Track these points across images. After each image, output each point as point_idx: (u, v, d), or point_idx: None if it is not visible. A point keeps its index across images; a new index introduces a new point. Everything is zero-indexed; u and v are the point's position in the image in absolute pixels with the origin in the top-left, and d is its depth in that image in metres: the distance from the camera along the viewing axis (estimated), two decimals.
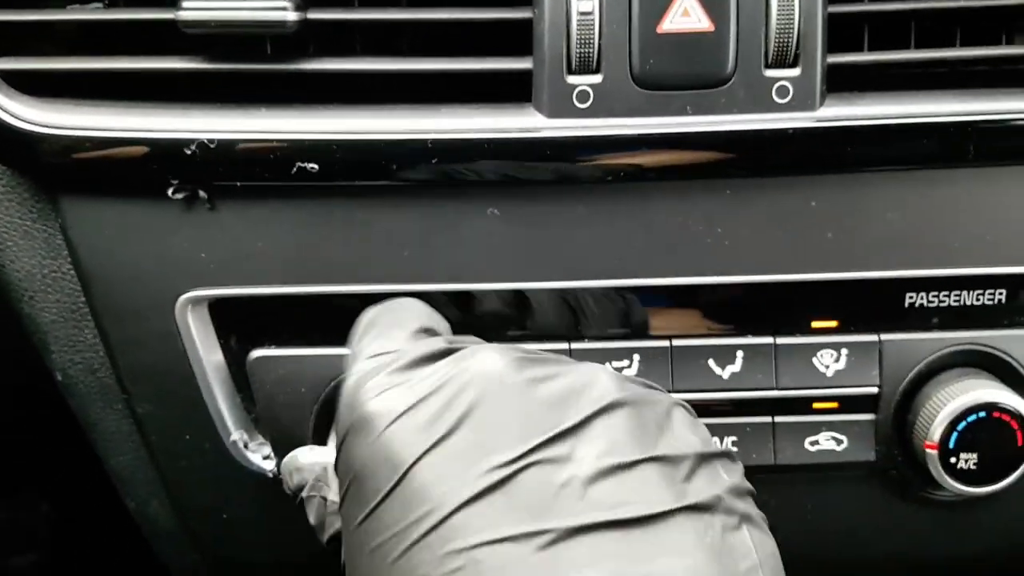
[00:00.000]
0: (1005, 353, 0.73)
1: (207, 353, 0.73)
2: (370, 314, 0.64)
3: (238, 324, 0.73)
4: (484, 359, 0.54)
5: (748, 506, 0.53)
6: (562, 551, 0.46)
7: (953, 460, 0.70)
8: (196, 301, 0.71)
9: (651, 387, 0.57)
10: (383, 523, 0.50)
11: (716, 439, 0.74)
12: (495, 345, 0.56)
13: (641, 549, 0.47)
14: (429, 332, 0.62)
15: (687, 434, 0.54)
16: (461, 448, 0.50)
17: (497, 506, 0.48)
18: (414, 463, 0.50)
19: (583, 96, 0.64)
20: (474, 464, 0.49)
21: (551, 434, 0.50)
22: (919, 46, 0.69)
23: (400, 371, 0.55)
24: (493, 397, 0.52)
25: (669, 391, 0.72)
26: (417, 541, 0.48)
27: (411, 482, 0.50)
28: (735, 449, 0.73)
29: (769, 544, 0.52)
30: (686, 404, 0.58)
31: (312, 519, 0.64)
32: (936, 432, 0.70)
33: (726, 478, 0.53)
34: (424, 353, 0.56)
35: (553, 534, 0.47)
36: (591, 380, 0.53)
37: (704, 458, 0.53)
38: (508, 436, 0.50)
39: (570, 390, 0.53)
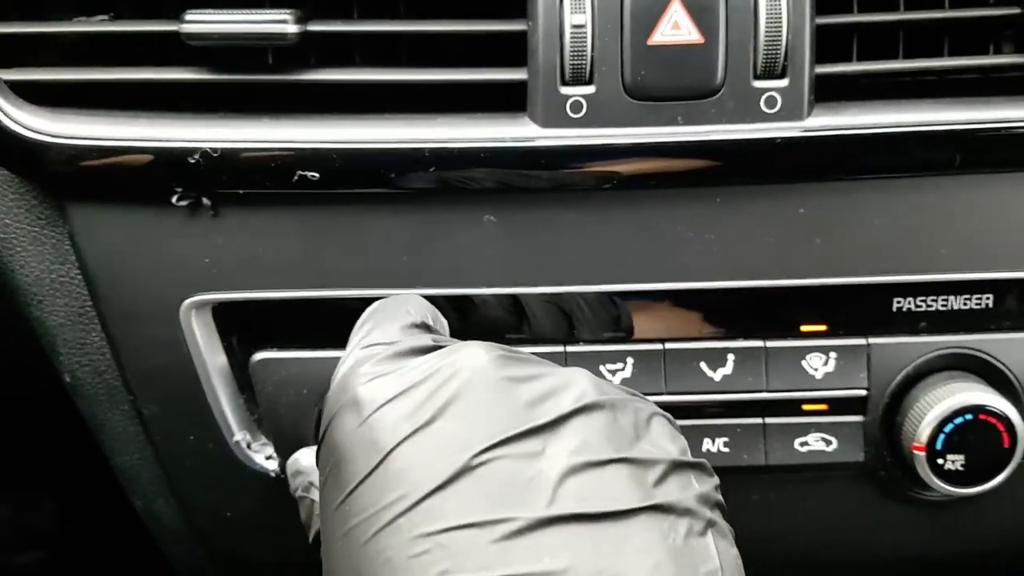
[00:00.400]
0: (992, 356, 0.74)
1: (211, 356, 0.74)
2: (372, 308, 0.66)
3: (241, 327, 0.75)
4: (471, 354, 0.55)
5: (716, 516, 0.54)
6: (526, 540, 0.48)
7: (940, 461, 0.72)
8: (200, 305, 0.73)
9: (635, 395, 0.59)
10: (359, 506, 0.52)
11: (708, 439, 0.75)
12: (482, 343, 0.58)
13: (603, 543, 0.48)
14: (425, 327, 0.63)
15: (664, 442, 0.55)
16: (440, 436, 0.52)
17: (467, 494, 0.49)
18: (394, 448, 0.52)
19: (576, 106, 0.66)
20: (450, 453, 0.51)
21: (526, 427, 0.51)
22: (908, 55, 0.70)
23: (390, 360, 0.57)
24: (476, 390, 0.53)
25: (662, 393, 0.74)
26: (388, 524, 0.50)
27: (389, 466, 0.52)
28: (726, 449, 0.75)
29: (733, 554, 0.53)
30: (668, 415, 0.59)
31: (303, 516, 0.65)
32: (924, 434, 0.71)
33: (697, 487, 0.54)
34: (414, 346, 0.58)
35: (519, 523, 0.48)
36: (572, 382, 0.55)
37: (677, 466, 0.54)
38: (486, 428, 0.51)
39: (551, 389, 0.54)
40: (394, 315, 0.63)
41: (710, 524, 0.53)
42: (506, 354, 0.57)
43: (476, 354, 0.55)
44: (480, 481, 0.50)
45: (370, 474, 0.52)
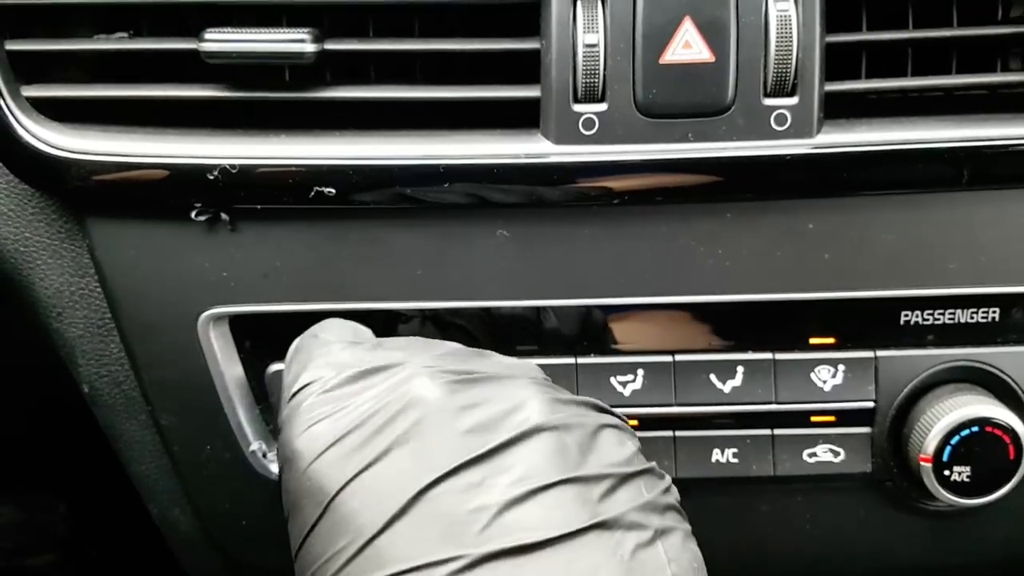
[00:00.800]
0: (998, 369, 0.75)
1: (227, 367, 0.75)
2: (295, 344, 0.66)
3: (257, 339, 0.76)
4: (419, 384, 0.55)
5: (667, 520, 0.54)
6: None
7: (947, 473, 0.73)
8: (217, 318, 0.74)
9: (591, 404, 0.59)
10: (311, 556, 0.53)
11: (717, 450, 0.76)
12: (426, 365, 0.57)
13: (549, 571, 0.49)
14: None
15: (611, 454, 0.56)
16: (383, 476, 0.52)
17: (410, 534, 0.50)
18: (337, 493, 0.53)
19: (589, 123, 0.67)
20: (393, 492, 0.51)
21: (468, 458, 0.52)
22: (916, 72, 0.71)
23: (330, 396, 0.57)
24: (422, 425, 0.53)
25: (672, 404, 0.75)
26: (339, 571, 0.51)
27: (334, 513, 0.52)
28: (736, 460, 0.76)
29: (687, 557, 0.53)
30: (619, 422, 0.59)
31: None
32: (930, 445, 0.72)
33: (645, 495, 0.54)
34: (353, 372, 0.58)
35: (464, 560, 0.48)
36: (519, 404, 0.55)
37: (625, 478, 0.54)
38: (429, 463, 0.52)
39: (497, 416, 0.54)
40: (321, 343, 0.63)
41: (660, 532, 0.53)
42: (454, 378, 0.56)
43: (424, 384, 0.55)
44: (423, 519, 0.50)
45: (317, 522, 0.53)
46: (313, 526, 0.54)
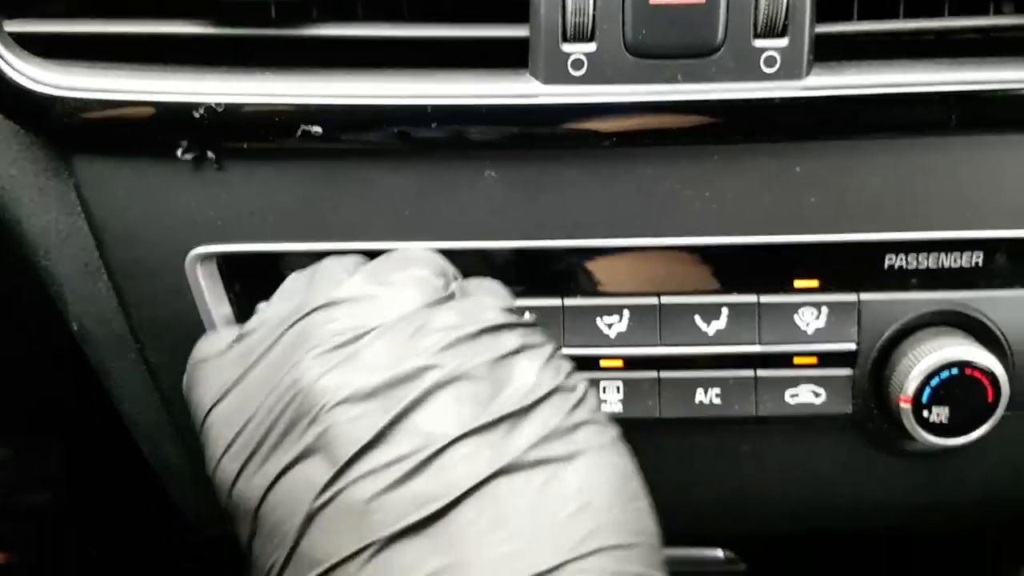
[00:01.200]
0: (980, 313, 0.75)
1: (216, 306, 0.76)
2: (186, 377, 0.67)
3: (246, 278, 0.76)
4: (307, 376, 0.55)
5: (577, 441, 0.53)
6: (386, 559, 0.49)
7: (925, 414, 0.74)
8: (205, 256, 0.74)
9: (493, 327, 0.56)
10: (257, 568, 0.56)
11: (701, 390, 0.77)
12: (312, 345, 0.56)
13: (457, 536, 0.49)
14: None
15: (515, 384, 0.54)
16: (294, 482, 0.53)
17: (325, 534, 0.51)
18: (257, 509, 0.55)
19: (578, 64, 0.66)
20: (304, 497, 0.52)
21: (366, 441, 0.51)
22: (908, 15, 0.70)
23: (229, 414, 0.59)
24: (320, 418, 0.53)
25: (657, 345, 0.75)
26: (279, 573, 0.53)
27: (261, 528, 0.55)
28: (719, 401, 0.77)
29: (603, 476, 0.52)
30: (523, 343, 0.57)
31: None
32: (910, 387, 0.73)
33: (551, 422, 0.53)
34: (243, 385, 0.59)
35: (374, 547, 0.49)
36: (415, 368, 0.54)
37: (529, 408, 0.53)
38: (333, 456, 0.52)
39: (392, 383, 0.53)
40: (208, 368, 0.64)
41: (568, 458, 0.52)
42: (343, 355, 0.54)
43: (312, 372, 0.54)
44: (332, 517, 0.51)
45: (251, 541, 0.56)
46: (249, 544, 0.56)
